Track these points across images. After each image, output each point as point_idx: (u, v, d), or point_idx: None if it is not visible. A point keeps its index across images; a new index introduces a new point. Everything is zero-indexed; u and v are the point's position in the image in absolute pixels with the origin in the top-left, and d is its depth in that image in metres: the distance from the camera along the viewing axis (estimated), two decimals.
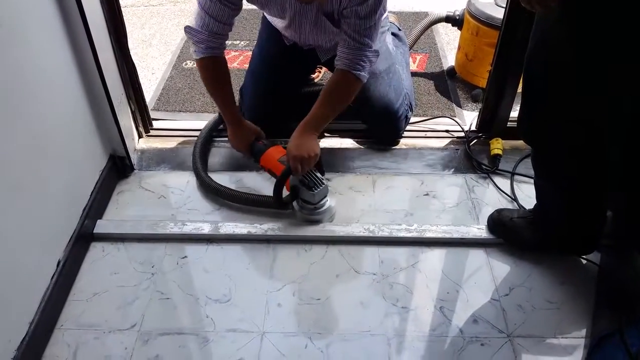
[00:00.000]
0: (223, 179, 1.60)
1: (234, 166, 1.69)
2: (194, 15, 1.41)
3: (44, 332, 1.21)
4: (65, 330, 1.24)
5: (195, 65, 2.23)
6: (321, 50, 1.67)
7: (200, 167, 1.61)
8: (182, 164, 1.70)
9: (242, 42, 2.43)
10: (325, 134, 1.78)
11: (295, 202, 1.48)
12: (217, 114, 1.73)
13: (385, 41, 1.70)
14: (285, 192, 1.46)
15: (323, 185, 1.43)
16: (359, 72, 1.40)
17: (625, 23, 0.92)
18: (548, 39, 1.04)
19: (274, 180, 1.45)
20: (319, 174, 1.45)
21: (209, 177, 1.59)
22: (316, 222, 1.47)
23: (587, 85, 1.02)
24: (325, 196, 1.47)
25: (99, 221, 1.48)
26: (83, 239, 1.40)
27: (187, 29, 1.42)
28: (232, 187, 1.57)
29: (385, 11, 1.63)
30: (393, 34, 1.80)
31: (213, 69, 1.48)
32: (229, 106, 1.54)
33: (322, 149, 1.72)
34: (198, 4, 1.38)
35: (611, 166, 1.16)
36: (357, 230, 1.45)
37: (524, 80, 1.15)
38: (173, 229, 1.45)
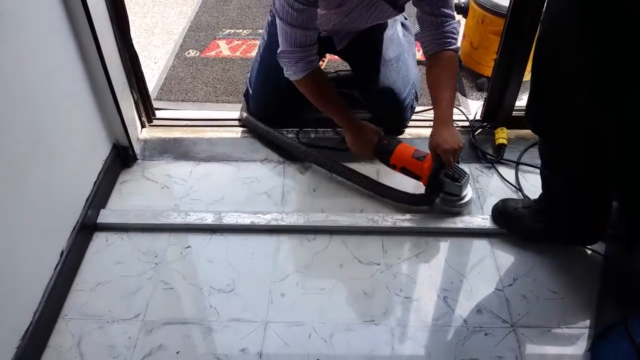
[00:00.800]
0: None
1: None
2: (280, 36, 1.38)
3: (48, 321, 1.21)
4: (69, 319, 1.24)
5: (197, 55, 2.22)
6: (338, 38, 1.65)
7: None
8: (185, 154, 1.69)
9: (245, 31, 2.41)
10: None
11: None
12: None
13: (396, 29, 1.69)
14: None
15: (467, 175, 1.42)
16: (455, 46, 1.42)
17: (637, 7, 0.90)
18: (559, 23, 1.02)
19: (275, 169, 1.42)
20: (459, 166, 1.43)
21: (340, 164, 1.56)
22: (459, 214, 1.46)
23: (598, 71, 1.00)
24: (467, 186, 1.46)
25: (102, 211, 1.47)
26: (86, 229, 1.40)
27: (282, 55, 1.40)
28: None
29: None
30: (401, 23, 1.78)
31: (317, 83, 1.45)
32: (345, 112, 1.51)
33: (324, 138, 1.73)
34: (280, 22, 1.35)
35: (614, 165, 1.15)
36: (361, 220, 1.44)
37: (533, 66, 1.13)
38: (176, 219, 1.45)
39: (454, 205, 1.46)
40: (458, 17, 2.18)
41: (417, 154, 1.47)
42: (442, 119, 1.40)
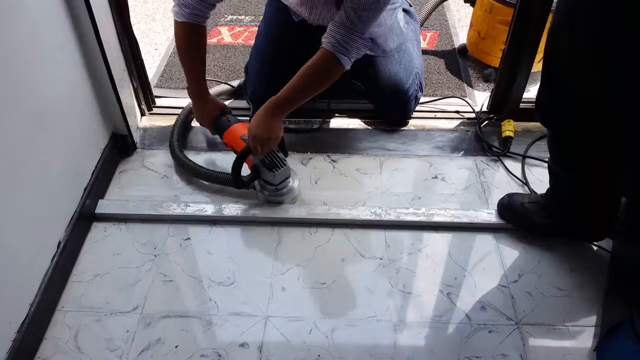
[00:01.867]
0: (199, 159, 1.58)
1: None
2: None
3: (45, 314, 1.19)
4: (66, 312, 1.22)
5: None
6: None
7: (175, 142, 1.59)
8: (185, 143, 1.66)
9: (247, 17, 2.36)
10: (336, 115, 1.74)
11: (257, 183, 1.45)
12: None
13: (396, 18, 1.64)
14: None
15: (284, 167, 1.39)
16: (342, 57, 1.26)
17: None
18: (572, 14, 0.98)
19: None
20: (281, 155, 1.40)
21: (182, 152, 1.57)
22: (278, 203, 1.44)
23: (613, 64, 0.96)
24: (287, 177, 1.43)
25: (100, 201, 1.45)
26: (84, 219, 1.38)
27: None
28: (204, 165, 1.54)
29: None
30: (404, 10, 1.74)
31: (192, 37, 1.39)
32: (198, 79, 1.47)
33: (329, 129, 1.70)
34: None
35: (625, 160, 1.12)
36: (364, 214, 1.42)
37: (544, 58, 1.10)
38: (176, 209, 1.42)
39: (272, 194, 1.44)
40: (465, 5, 2.15)
41: (247, 136, 1.40)
42: (271, 106, 1.33)
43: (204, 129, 1.61)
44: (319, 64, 1.30)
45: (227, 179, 1.45)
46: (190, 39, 1.40)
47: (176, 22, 1.37)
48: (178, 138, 1.61)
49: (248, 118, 1.61)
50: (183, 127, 1.66)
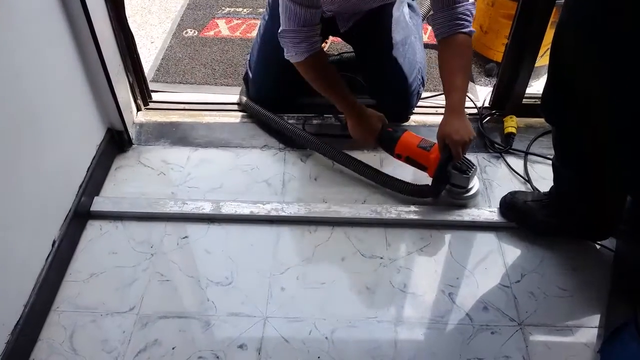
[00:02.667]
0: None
1: None
2: (282, 15, 1.31)
3: (39, 314, 1.17)
4: (61, 312, 1.20)
5: (196, 35, 2.14)
6: (342, 19, 1.58)
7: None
8: (182, 139, 1.63)
9: (245, 10, 2.32)
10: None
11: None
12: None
13: (403, 11, 1.61)
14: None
15: (475, 167, 1.37)
16: (468, 29, 1.32)
17: None
18: (580, 9, 0.96)
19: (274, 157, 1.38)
20: (466, 157, 1.37)
21: (343, 153, 1.50)
22: (464, 206, 1.41)
23: (621, 61, 0.94)
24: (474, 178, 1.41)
25: (96, 198, 1.42)
26: (79, 217, 1.35)
27: (283, 34, 1.33)
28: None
29: None
30: (408, 4, 1.71)
31: (319, 65, 1.38)
32: (347, 97, 1.43)
33: (329, 125, 1.67)
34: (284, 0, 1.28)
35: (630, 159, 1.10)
36: (364, 212, 1.39)
37: (551, 55, 1.07)
38: (173, 207, 1.40)
39: (460, 198, 1.42)
40: None
41: (424, 144, 1.41)
42: (453, 108, 1.33)
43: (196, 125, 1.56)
44: (460, 50, 1.34)
45: (426, 190, 1.41)
46: (321, 68, 1.39)
47: (299, 63, 1.36)
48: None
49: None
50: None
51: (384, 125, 1.48)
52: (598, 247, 1.35)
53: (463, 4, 1.31)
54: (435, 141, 1.38)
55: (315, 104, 1.68)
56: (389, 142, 1.46)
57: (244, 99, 1.69)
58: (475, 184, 1.42)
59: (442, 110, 1.71)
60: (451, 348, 1.16)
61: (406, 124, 1.68)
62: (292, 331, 1.18)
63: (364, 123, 1.46)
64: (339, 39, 1.80)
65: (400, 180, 1.44)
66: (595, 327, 1.20)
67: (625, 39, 0.92)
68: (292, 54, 1.36)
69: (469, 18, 1.33)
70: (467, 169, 1.36)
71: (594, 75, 1.00)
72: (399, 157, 1.46)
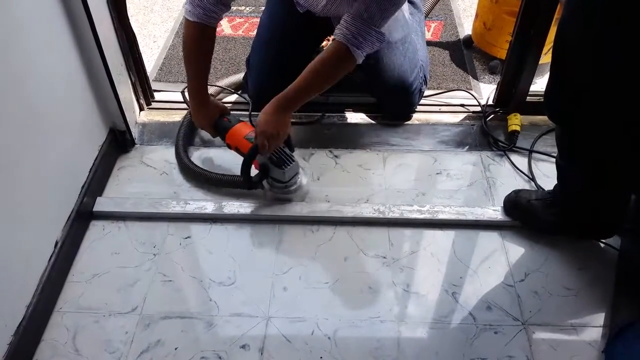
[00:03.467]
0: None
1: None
2: None
3: (42, 315, 1.17)
4: (64, 313, 1.20)
5: None
6: (336, 20, 1.57)
7: (180, 143, 1.55)
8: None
9: (247, 8, 2.32)
10: (338, 110, 1.71)
11: (265, 181, 1.42)
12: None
13: (401, 9, 1.60)
14: (255, 171, 1.40)
15: (293, 162, 1.36)
16: (356, 50, 1.23)
17: None
18: (583, 5, 0.94)
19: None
20: (288, 151, 1.37)
21: (186, 155, 1.53)
22: (287, 200, 1.42)
23: (624, 59, 0.93)
24: (296, 173, 1.40)
25: (98, 198, 1.42)
26: (82, 217, 1.35)
27: None
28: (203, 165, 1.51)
29: None
30: (409, 0, 1.70)
31: (202, 38, 1.35)
32: (201, 81, 1.42)
33: (330, 124, 1.66)
34: None
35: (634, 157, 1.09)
36: (367, 211, 1.39)
37: (554, 52, 1.06)
38: (175, 207, 1.40)
39: (281, 192, 1.42)
40: None
41: (251, 135, 1.38)
42: (280, 101, 1.30)
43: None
44: (331, 57, 1.27)
45: (237, 181, 1.42)
46: (200, 40, 1.35)
47: (187, 21, 1.33)
48: (184, 145, 1.56)
49: (247, 115, 1.57)
50: (189, 131, 1.61)
51: (223, 115, 1.47)
52: (603, 245, 1.34)
53: (372, 26, 1.22)
54: None
55: (314, 101, 1.67)
56: (222, 131, 1.45)
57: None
58: (296, 179, 1.42)
59: (446, 109, 1.73)
60: (454, 348, 1.15)
61: (409, 122, 1.67)
62: (295, 331, 1.17)
63: (203, 109, 1.45)
64: None
65: (218, 173, 1.46)
66: (600, 327, 1.19)
67: (627, 36, 0.91)
68: (187, 9, 1.32)
69: (364, 42, 1.23)
70: (283, 164, 1.35)
71: (597, 72, 0.99)
72: (229, 146, 1.46)
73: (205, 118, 1.46)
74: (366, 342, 1.16)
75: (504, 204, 1.39)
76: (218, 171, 1.48)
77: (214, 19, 1.32)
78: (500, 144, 1.60)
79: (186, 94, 1.58)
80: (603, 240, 1.34)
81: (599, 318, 1.20)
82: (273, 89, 1.64)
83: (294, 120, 1.64)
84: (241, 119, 1.48)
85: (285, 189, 1.41)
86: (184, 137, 1.58)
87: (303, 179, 1.45)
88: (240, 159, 1.36)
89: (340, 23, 1.26)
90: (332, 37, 1.27)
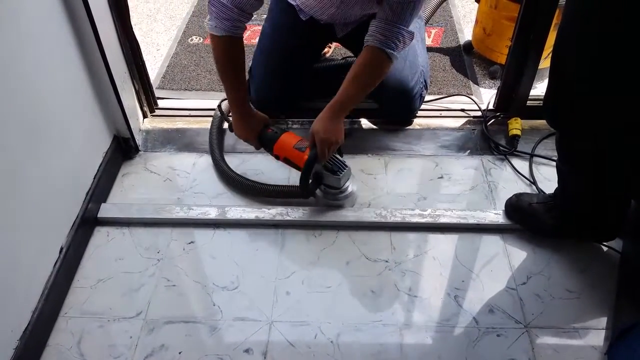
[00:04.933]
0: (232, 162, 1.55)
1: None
2: None
3: (48, 320, 1.18)
4: (70, 318, 1.21)
5: (201, 42, 2.16)
6: (339, 25, 1.59)
7: (217, 155, 1.55)
8: (188, 145, 1.65)
9: None
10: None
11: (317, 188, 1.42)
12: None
13: None
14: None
15: (347, 168, 1.37)
16: (391, 52, 1.29)
17: None
18: (582, 13, 0.96)
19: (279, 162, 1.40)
20: (340, 157, 1.38)
21: (227, 166, 1.52)
22: (338, 207, 1.42)
23: (622, 66, 0.94)
24: (348, 179, 1.41)
25: (103, 205, 1.44)
26: (87, 223, 1.37)
27: (213, 2, 1.30)
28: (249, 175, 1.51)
29: None
30: None
31: (232, 50, 1.36)
32: (241, 93, 1.43)
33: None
34: None
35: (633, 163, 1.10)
36: (369, 215, 1.40)
37: (553, 58, 1.07)
38: (179, 213, 1.41)
39: (334, 198, 1.42)
40: (470, 1, 2.12)
41: (300, 144, 1.39)
42: (332, 107, 1.32)
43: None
44: (371, 62, 1.31)
45: (295, 191, 1.41)
46: (232, 53, 1.36)
47: (215, 37, 1.33)
48: (220, 154, 1.56)
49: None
50: (220, 139, 1.61)
51: (267, 126, 1.47)
52: (604, 248, 1.35)
53: (402, 27, 1.28)
54: None
55: (317, 108, 1.68)
56: (268, 143, 1.45)
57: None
58: (349, 185, 1.42)
59: (447, 113, 1.74)
60: (457, 351, 1.16)
61: (410, 127, 1.68)
62: (298, 335, 1.18)
63: (246, 122, 1.45)
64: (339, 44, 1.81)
65: (273, 185, 1.46)
66: (603, 329, 1.19)
67: (624, 42, 0.92)
68: (212, 25, 1.32)
69: (399, 43, 1.29)
70: (338, 170, 1.35)
71: (595, 78, 1.00)
72: (277, 157, 1.45)
73: (250, 130, 1.45)
74: (369, 346, 1.16)
75: (505, 208, 1.39)
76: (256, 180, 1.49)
77: (241, 29, 1.33)
78: (501, 148, 1.61)
79: (223, 106, 1.60)
80: (605, 243, 1.35)
81: (602, 320, 1.20)
82: (275, 97, 1.67)
83: (298, 127, 1.67)
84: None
85: (339, 195, 1.41)
86: (219, 148, 1.58)
87: (353, 185, 1.44)
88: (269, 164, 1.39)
89: (371, 29, 1.30)
90: (366, 43, 1.30)
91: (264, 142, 1.45)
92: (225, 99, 1.51)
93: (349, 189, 1.42)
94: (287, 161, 1.43)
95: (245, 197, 1.49)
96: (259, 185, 1.47)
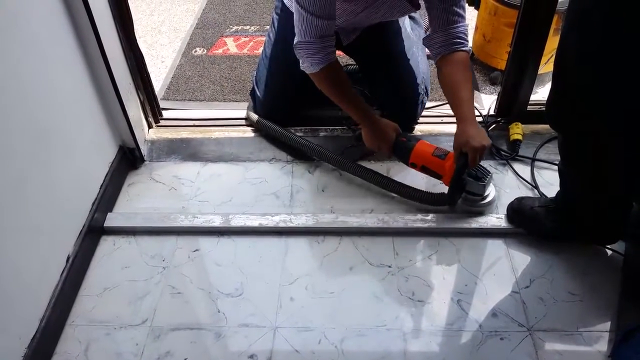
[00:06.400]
0: None
1: None
2: (298, 26, 1.32)
3: (55, 328, 1.20)
4: (76, 326, 1.23)
5: (204, 53, 2.19)
6: (345, 33, 1.61)
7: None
8: (193, 155, 1.67)
9: (252, 28, 2.37)
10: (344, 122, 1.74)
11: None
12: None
13: (404, 23, 1.64)
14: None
15: (490, 174, 1.38)
16: (467, 48, 1.37)
17: None
18: (585, 18, 0.97)
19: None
20: (482, 164, 1.38)
21: (356, 163, 1.53)
22: (479, 214, 1.42)
23: (625, 70, 0.95)
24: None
25: (109, 214, 1.46)
26: (93, 232, 1.39)
27: (299, 46, 1.33)
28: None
29: None
30: (410, 16, 1.74)
31: (335, 76, 1.39)
32: (362, 107, 1.45)
33: (335, 136, 1.69)
34: (301, 9, 1.28)
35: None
36: (371, 221, 1.41)
37: (556, 63, 1.08)
38: (184, 221, 1.43)
39: (477, 205, 1.42)
40: (469, 9, 2.14)
41: (438, 152, 1.41)
42: (465, 118, 1.34)
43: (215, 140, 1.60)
44: (459, 66, 1.37)
45: (442, 198, 1.42)
46: (336, 78, 1.39)
47: (314, 74, 1.37)
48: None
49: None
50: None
51: (398, 134, 1.48)
52: (607, 251, 1.35)
53: (459, 25, 1.35)
54: (449, 150, 1.39)
55: (322, 116, 1.71)
56: (403, 152, 1.46)
57: (255, 117, 1.70)
58: (491, 191, 1.42)
59: (448, 120, 1.75)
60: (461, 355, 1.16)
61: (412, 134, 1.69)
62: (302, 341, 1.19)
63: (378, 133, 1.47)
64: (341, 52, 1.83)
65: (416, 189, 1.45)
66: (606, 332, 1.19)
67: (627, 47, 0.93)
68: (307, 65, 1.36)
69: (466, 38, 1.37)
70: (482, 176, 1.36)
71: (597, 82, 1.01)
72: (414, 166, 1.46)
73: (384, 140, 1.46)
74: (373, 351, 1.17)
75: (507, 212, 1.40)
76: None
77: (332, 53, 1.36)
78: (502, 153, 1.62)
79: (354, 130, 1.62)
80: (608, 246, 1.35)
81: (605, 323, 1.21)
82: (279, 107, 1.69)
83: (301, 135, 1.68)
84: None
85: (481, 201, 1.41)
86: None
87: (494, 191, 1.44)
88: None
89: (435, 40, 1.36)
90: (454, 48, 1.36)
91: (399, 151, 1.47)
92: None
93: (491, 196, 1.42)
94: (425, 169, 1.44)
95: (247, 201, 1.50)
96: (403, 190, 1.46)
